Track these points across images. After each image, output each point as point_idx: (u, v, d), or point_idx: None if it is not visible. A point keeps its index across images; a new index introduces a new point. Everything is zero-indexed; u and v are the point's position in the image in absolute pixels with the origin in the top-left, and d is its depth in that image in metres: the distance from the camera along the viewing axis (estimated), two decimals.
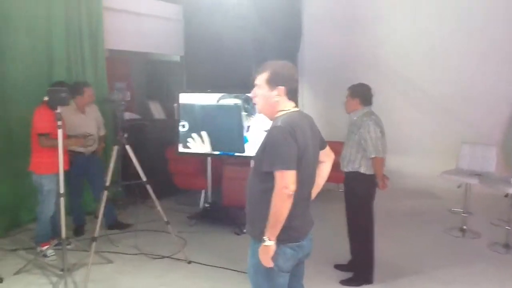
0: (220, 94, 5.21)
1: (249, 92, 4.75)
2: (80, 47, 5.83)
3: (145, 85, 6.97)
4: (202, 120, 5.28)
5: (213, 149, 5.26)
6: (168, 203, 4.70)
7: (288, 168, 2.26)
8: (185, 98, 5.40)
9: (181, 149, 5.43)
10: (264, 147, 2.37)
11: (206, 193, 6.07)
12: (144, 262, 4.55)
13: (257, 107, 2.55)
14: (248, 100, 5.01)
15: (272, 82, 2.44)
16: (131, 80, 6.95)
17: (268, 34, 6.59)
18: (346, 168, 4.01)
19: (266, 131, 2.48)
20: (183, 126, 5.35)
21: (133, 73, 7.03)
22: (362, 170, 3.90)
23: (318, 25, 7.69)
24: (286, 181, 2.25)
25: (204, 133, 5.26)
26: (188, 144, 5.35)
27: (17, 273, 4.18)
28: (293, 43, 7.38)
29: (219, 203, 5.88)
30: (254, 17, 6.58)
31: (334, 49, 7.66)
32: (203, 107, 5.28)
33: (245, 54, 6.42)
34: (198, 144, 5.29)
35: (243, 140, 5.08)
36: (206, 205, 5.99)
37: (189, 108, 5.34)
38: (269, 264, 2.36)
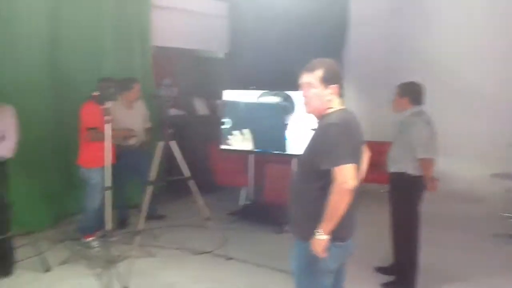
0: (262, 92, 5.21)
1: (291, 90, 4.74)
2: (129, 43, 5.94)
3: (189, 81, 7.04)
4: (245, 117, 5.28)
5: (255, 146, 5.26)
6: (208, 200, 4.75)
7: (347, 162, 2.26)
8: (229, 95, 5.42)
9: (223, 145, 5.45)
10: (317, 145, 2.36)
11: (247, 190, 6.08)
12: (185, 257, 4.60)
13: (308, 106, 2.50)
14: (287, 98, 4.98)
15: (326, 81, 2.42)
16: (177, 77, 7.04)
17: (313, 32, 6.52)
18: (393, 168, 3.89)
19: (314, 129, 2.46)
20: (226, 123, 5.37)
21: (179, 70, 7.12)
22: (410, 171, 3.78)
23: (365, 22, 7.54)
24: (345, 175, 2.24)
25: (246, 131, 5.26)
26: (230, 141, 5.37)
27: (63, 263, 4.31)
28: (338, 40, 7.28)
29: (259, 201, 5.88)
30: (299, 14, 6.52)
31: (380, 47, 7.50)
32: (246, 105, 5.28)
33: (290, 51, 6.37)
34: (240, 141, 5.30)
35: (285, 139, 5.05)
36: (247, 202, 6.00)
37: (233, 105, 5.36)
38: (323, 255, 2.35)
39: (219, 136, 5.46)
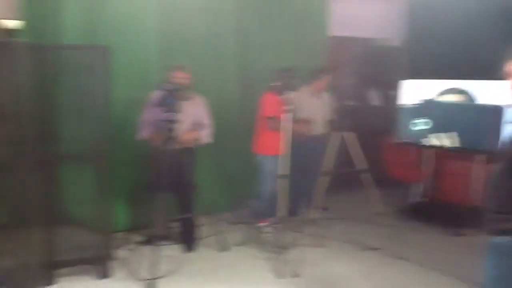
0: (446, 82, 4.81)
1: (475, 79, 4.26)
2: (306, 34, 5.97)
3: (363, 71, 6.90)
4: (452, 119, 4.89)
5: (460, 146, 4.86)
6: (377, 194, 4.60)
7: None
8: (405, 85, 5.14)
9: (399, 139, 5.16)
10: None
11: (420, 186, 5.76)
12: (354, 251, 4.53)
13: None
14: (469, 95, 4.54)
15: None
16: (351, 67, 6.93)
17: (502, 16, 5.84)
18: None
19: None
20: (424, 123, 5.04)
21: (353, 60, 7.01)
22: None
23: None
24: None
25: (453, 134, 4.88)
26: (429, 142, 5.04)
27: (238, 244, 4.55)
28: None
29: (434, 198, 5.52)
30: None
31: None
32: (455, 106, 4.89)
33: (474, 38, 5.81)
34: (442, 144, 4.93)
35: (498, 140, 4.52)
36: (420, 199, 5.68)
37: (435, 105, 5.00)
38: None
39: (393, 128, 5.23)
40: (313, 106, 5.05)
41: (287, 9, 5.78)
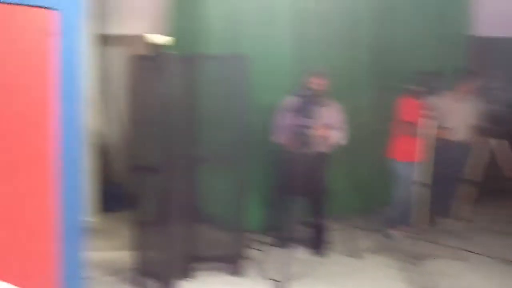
0: None
1: None
2: (445, 34, 5.70)
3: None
4: None
5: None
6: None
7: None
8: None
9: None
10: None
11: None
12: (497, 266, 4.19)
13: None
14: None
15: None
16: (500, 69, 6.40)
17: None
18: None
19: None
20: None
21: (502, 60, 6.47)
22: None
23: None
24: None
25: None
26: None
27: (368, 251, 4.44)
28: None
29: None
30: None
31: None
32: None
33: None
34: None
35: None
36: None
37: None
38: None
39: None
40: (457, 112, 4.72)
41: (425, 9, 5.56)
